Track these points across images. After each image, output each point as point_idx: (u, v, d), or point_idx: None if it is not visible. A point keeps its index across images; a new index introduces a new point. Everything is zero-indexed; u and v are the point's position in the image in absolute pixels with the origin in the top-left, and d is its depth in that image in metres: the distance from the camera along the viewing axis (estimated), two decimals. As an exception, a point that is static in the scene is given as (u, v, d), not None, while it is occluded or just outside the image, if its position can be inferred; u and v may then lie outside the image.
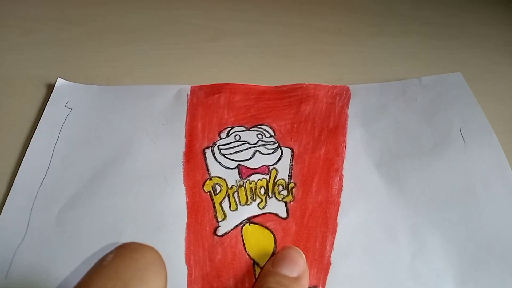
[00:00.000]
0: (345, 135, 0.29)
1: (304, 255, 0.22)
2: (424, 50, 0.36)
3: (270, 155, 0.28)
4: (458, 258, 0.23)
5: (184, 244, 0.23)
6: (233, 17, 0.39)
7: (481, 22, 0.39)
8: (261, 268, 0.22)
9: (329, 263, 0.23)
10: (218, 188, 0.26)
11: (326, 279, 0.22)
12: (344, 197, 0.25)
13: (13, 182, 0.26)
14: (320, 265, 0.23)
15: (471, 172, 0.26)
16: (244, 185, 0.26)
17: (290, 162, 0.27)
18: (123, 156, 0.27)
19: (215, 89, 0.31)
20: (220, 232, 0.24)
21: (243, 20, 0.39)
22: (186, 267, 0.23)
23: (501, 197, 0.25)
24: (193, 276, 0.22)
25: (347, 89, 0.32)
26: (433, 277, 0.22)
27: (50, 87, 0.32)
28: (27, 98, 0.32)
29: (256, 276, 0.22)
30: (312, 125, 0.29)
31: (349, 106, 0.31)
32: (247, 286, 0.22)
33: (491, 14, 0.40)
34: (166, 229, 0.24)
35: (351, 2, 0.41)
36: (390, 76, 0.33)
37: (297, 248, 0.22)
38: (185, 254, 0.23)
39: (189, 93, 0.31)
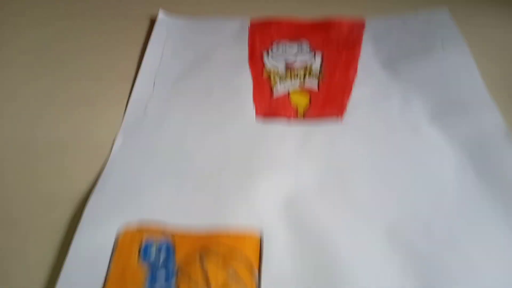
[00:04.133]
0: (360, 48, 0.42)
1: None
2: None
3: (308, 56, 0.41)
4: (431, 107, 0.35)
5: (252, 98, 0.37)
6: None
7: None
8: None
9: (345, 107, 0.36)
10: (273, 74, 0.39)
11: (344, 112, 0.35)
12: (356, 82, 0.38)
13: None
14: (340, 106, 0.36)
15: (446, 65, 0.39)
16: (290, 71, 0.39)
17: (321, 61, 0.41)
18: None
19: (268, 22, 0.45)
20: (275, 93, 0.37)
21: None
22: (253, 105, 0.36)
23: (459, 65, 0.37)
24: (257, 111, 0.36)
25: (364, 21, 0.45)
26: (415, 118, 0.34)
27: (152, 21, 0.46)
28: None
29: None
30: (337, 42, 0.43)
31: (364, 31, 0.44)
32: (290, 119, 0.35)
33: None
34: (241, 93, 0.37)
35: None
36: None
37: None
38: (253, 100, 0.36)
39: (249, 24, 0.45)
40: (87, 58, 0.41)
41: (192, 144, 0.33)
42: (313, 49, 0.42)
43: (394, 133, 0.33)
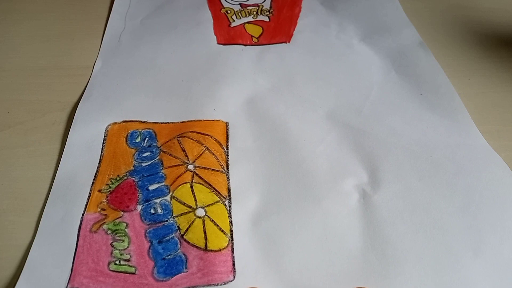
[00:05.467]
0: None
1: None
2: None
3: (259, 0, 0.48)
4: (362, 30, 0.43)
5: (212, 29, 0.43)
6: None
7: None
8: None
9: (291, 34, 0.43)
10: (229, 11, 0.46)
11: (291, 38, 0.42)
12: (301, 16, 0.45)
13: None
14: (288, 34, 0.42)
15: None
16: (244, 10, 0.46)
17: (271, 2, 0.47)
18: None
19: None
20: (232, 25, 0.44)
21: None
22: (215, 37, 0.42)
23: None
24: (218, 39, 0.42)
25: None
26: (349, 38, 0.42)
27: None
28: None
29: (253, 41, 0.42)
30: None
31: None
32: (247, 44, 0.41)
33: None
34: (202, 26, 0.43)
35: None
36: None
37: None
38: (214, 31, 0.43)
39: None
40: (65, 4, 0.46)
41: (163, 61, 0.39)
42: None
43: (332, 49, 0.41)
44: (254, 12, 0.45)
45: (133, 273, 0.24)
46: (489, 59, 0.40)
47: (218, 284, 0.24)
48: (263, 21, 0.44)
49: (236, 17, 0.45)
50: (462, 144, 0.31)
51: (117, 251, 0.25)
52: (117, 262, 0.25)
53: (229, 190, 0.28)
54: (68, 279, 0.24)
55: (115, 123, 0.33)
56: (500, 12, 0.46)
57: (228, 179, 0.29)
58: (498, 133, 0.33)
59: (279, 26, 0.44)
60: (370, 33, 0.42)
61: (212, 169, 0.30)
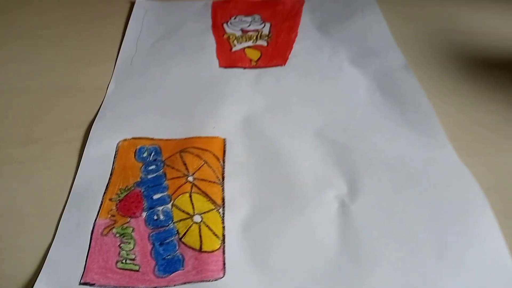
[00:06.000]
0: (300, 17, 0.53)
1: None
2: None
3: (259, 25, 0.52)
4: (352, 54, 0.46)
5: (215, 53, 0.47)
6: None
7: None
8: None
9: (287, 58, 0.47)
10: (231, 36, 0.50)
11: (286, 61, 0.46)
12: (296, 40, 0.49)
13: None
14: (284, 57, 0.47)
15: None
16: (245, 35, 0.50)
17: (270, 28, 0.52)
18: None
19: (227, 0, 0.56)
20: (233, 49, 0.48)
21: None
22: (217, 58, 0.46)
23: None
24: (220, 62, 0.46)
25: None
26: (339, 62, 0.46)
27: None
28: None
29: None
30: (282, 14, 0.54)
31: (303, 5, 0.55)
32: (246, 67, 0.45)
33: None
34: (206, 50, 0.48)
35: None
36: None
37: None
38: (216, 55, 0.47)
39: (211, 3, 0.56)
40: (84, 31, 0.51)
41: (170, 83, 0.43)
42: (263, 20, 0.53)
43: (324, 71, 0.44)
44: (254, 37, 0.50)
45: (137, 271, 0.28)
46: (469, 81, 0.44)
47: (209, 280, 0.27)
48: (262, 45, 0.48)
49: (237, 42, 0.49)
50: (436, 159, 0.35)
51: (124, 251, 0.29)
52: (124, 261, 0.28)
53: (223, 199, 0.32)
54: (81, 275, 0.28)
55: (125, 139, 0.37)
56: (483, 35, 0.50)
57: (223, 189, 0.33)
58: (471, 150, 0.36)
59: (276, 50, 0.48)
60: (359, 56, 0.46)
61: (209, 181, 0.33)
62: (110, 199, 0.32)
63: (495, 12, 0.54)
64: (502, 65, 0.46)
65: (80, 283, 0.27)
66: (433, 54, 0.47)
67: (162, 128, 0.38)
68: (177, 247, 0.29)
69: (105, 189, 0.33)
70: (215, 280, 0.27)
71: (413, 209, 0.31)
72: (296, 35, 0.50)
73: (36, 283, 0.27)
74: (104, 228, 0.30)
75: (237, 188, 0.33)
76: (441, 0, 0.56)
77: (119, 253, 0.29)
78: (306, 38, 0.49)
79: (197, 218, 0.31)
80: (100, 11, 0.55)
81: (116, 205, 0.32)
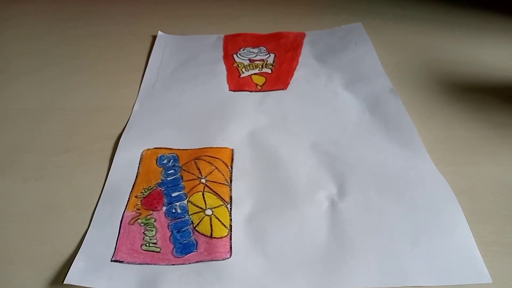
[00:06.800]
0: (300, 49, 0.61)
1: None
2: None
3: (264, 56, 0.59)
4: (346, 80, 0.53)
5: (226, 79, 0.54)
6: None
7: None
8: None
9: (288, 83, 0.54)
10: (240, 65, 0.57)
11: (288, 86, 0.53)
12: (297, 69, 0.56)
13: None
14: (285, 82, 0.54)
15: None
16: (252, 64, 0.58)
17: (274, 58, 0.59)
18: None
19: (237, 35, 0.64)
20: (242, 76, 0.55)
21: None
22: (228, 85, 0.54)
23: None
24: (230, 87, 0.53)
25: (304, 34, 0.64)
26: (334, 87, 0.53)
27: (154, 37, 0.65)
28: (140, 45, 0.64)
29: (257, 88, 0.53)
30: (285, 46, 0.61)
31: (304, 39, 0.63)
32: (252, 91, 0.53)
33: None
34: (218, 77, 0.55)
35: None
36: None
37: None
38: (227, 80, 0.54)
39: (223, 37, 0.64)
40: (113, 60, 0.59)
41: (186, 104, 0.50)
42: (268, 51, 0.60)
43: (320, 95, 0.51)
44: (260, 66, 0.57)
45: (158, 252, 0.34)
46: (448, 102, 0.50)
47: (218, 259, 0.33)
48: (267, 72, 0.56)
49: (245, 70, 0.56)
50: (414, 167, 0.40)
51: (147, 237, 0.35)
52: (147, 244, 0.34)
53: (231, 197, 0.38)
54: (112, 254, 0.34)
55: (148, 149, 0.44)
56: (464, 64, 0.56)
57: (230, 190, 0.39)
58: (447, 161, 0.42)
59: (279, 76, 0.55)
60: (352, 82, 0.53)
61: (219, 183, 0.40)
62: (136, 196, 0.38)
63: (475, 43, 0.61)
64: (480, 90, 0.52)
65: (112, 260, 0.33)
66: (417, 80, 0.54)
67: (180, 140, 0.45)
68: (192, 234, 0.35)
69: (132, 189, 0.39)
70: (223, 260, 0.33)
71: (392, 206, 0.37)
72: (297, 64, 0.57)
73: (75, 259, 0.33)
74: (131, 219, 0.36)
75: (242, 189, 0.39)
76: (425, 33, 0.63)
77: (143, 238, 0.35)
78: (305, 67, 0.56)
79: (208, 212, 0.37)
80: (127, 43, 0.63)
81: (141, 201, 0.38)
